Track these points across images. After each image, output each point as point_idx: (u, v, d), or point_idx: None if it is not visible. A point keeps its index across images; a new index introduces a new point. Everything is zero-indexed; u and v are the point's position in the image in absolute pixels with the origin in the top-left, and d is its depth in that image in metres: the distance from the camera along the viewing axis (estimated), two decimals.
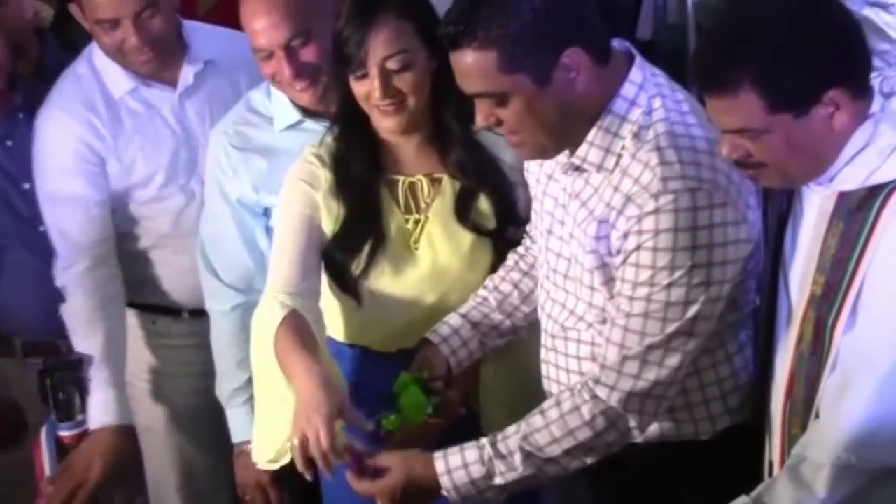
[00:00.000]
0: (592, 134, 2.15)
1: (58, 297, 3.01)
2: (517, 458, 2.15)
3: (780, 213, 2.14)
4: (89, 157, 2.92)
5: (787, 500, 1.98)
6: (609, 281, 2.17)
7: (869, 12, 3.83)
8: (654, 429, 2.22)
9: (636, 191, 2.09)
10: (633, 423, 2.15)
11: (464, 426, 2.38)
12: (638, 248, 2.09)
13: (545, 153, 2.22)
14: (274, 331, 2.35)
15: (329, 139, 2.56)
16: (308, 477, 2.25)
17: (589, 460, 2.18)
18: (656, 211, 2.07)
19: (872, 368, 1.95)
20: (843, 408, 1.97)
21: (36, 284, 2.98)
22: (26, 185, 3.00)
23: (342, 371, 2.53)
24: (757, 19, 1.95)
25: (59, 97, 2.95)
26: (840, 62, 1.94)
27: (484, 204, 2.51)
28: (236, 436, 2.82)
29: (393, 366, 2.45)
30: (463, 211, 2.50)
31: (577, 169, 2.20)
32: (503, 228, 2.51)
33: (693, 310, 2.10)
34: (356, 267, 2.50)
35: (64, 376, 2.70)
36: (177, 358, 3.08)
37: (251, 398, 2.66)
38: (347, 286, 2.52)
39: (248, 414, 2.71)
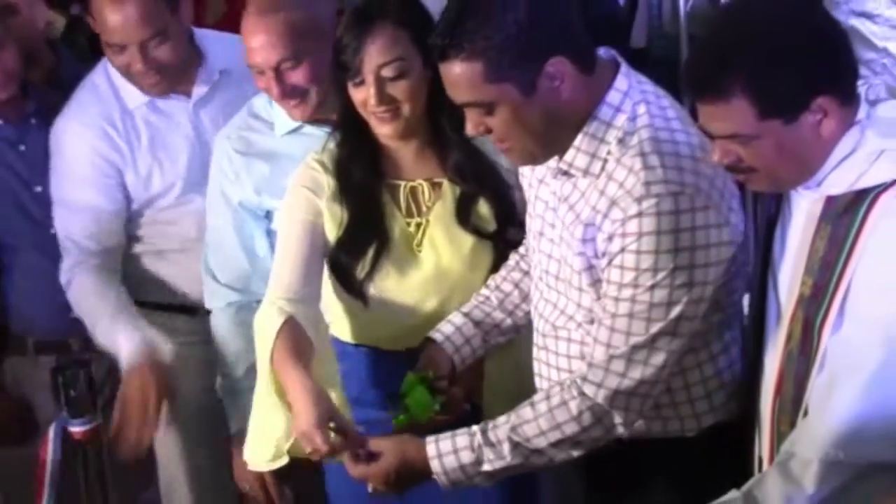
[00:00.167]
0: (579, 140, 2.16)
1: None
2: (506, 447, 2.16)
3: (769, 216, 2.14)
4: (106, 169, 2.93)
5: (777, 495, 1.99)
6: (596, 282, 2.18)
7: (855, 22, 3.84)
8: (641, 425, 2.22)
9: (620, 195, 2.10)
10: (618, 419, 2.15)
11: (468, 421, 2.38)
12: (622, 250, 2.10)
13: (534, 159, 2.22)
14: (272, 336, 2.36)
15: (331, 145, 2.56)
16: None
17: (575, 453, 2.19)
18: (639, 214, 2.07)
19: (859, 367, 1.95)
20: (832, 406, 1.97)
21: (47, 285, 2.98)
22: (38, 189, 3.00)
23: (350, 371, 2.54)
24: (749, 29, 1.96)
25: (78, 108, 2.95)
26: (828, 70, 1.95)
27: (484, 207, 2.52)
28: (233, 428, 2.80)
29: (399, 364, 2.46)
30: (463, 215, 2.51)
31: (566, 174, 2.20)
32: (503, 230, 2.52)
33: (676, 310, 2.10)
34: (361, 270, 2.50)
35: (75, 374, 2.69)
36: (189, 354, 3.08)
37: (248, 391, 2.64)
38: (353, 288, 2.52)
39: (245, 407, 2.69)
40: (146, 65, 2.82)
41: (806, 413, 2.04)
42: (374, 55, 2.40)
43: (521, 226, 2.47)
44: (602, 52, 2.21)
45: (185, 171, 2.93)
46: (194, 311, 3.03)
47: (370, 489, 2.26)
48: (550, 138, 2.17)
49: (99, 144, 2.92)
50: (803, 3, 2.04)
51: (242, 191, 2.74)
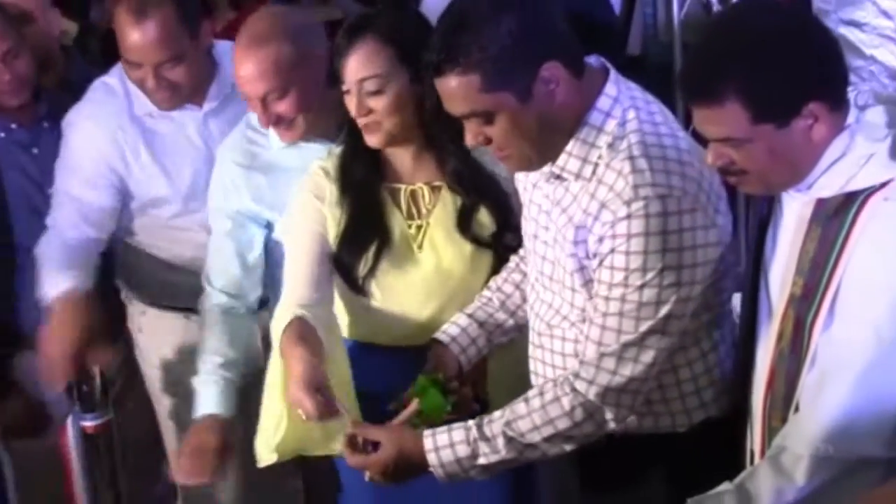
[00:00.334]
0: (571, 145, 2.17)
1: None
2: (500, 441, 2.16)
3: (761, 217, 2.14)
4: (108, 174, 2.92)
5: (768, 487, 1.99)
6: (588, 283, 2.19)
7: (844, 31, 3.85)
8: (633, 421, 2.23)
9: (610, 198, 2.11)
10: (609, 415, 2.16)
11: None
12: (612, 251, 2.11)
13: (530, 165, 2.23)
14: (281, 332, 2.37)
15: (336, 151, 2.57)
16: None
17: (567, 447, 2.20)
18: (628, 217, 2.08)
19: (849, 365, 1.95)
20: (822, 402, 1.98)
21: None
22: (51, 191, 3.01)
23: (355, 368, 2.54)
24: (743, 35, 1.96)
25: (91, 107, 2.95)
26: (819, 77, 1.95)
27: (483, 215, 2.52)
28: (197, 412, 2.74)
29: (402, 361, 2.47)
30: (464, 225, 2.51)
31: (558, 178, 2.21)
32: (502, 235, 2.52)
33: (665, 309, 2.11)
34: (363, 267, 2.51)
35: (86, 370, 2.71)
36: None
37: (217, 380, 2.67)
38: (356, 285, 2.53)
39: (210, 391, 2.69)
40: (158, 83, 2.82)
41: (797, 409, 2.04)
42: (356, 68, 2.41)
43: (518, 231, 2.48)
44: (592, 59, 2.22)
45: (192, 179, 2.92)
46: None
47: (367, 478, 2.26)
48: (546, 143, 2.17)
49: (106, 147, 2.91)
50: (795, 11, 2.04)
51: (241, 200, 2.74)
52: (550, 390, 2.17)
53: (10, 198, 3.03)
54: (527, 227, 2.36)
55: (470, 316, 2.48)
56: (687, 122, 2.26)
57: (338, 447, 2.32)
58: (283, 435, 2.35)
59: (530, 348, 2.38)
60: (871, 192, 1.96)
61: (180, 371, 3.03)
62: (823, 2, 4.00)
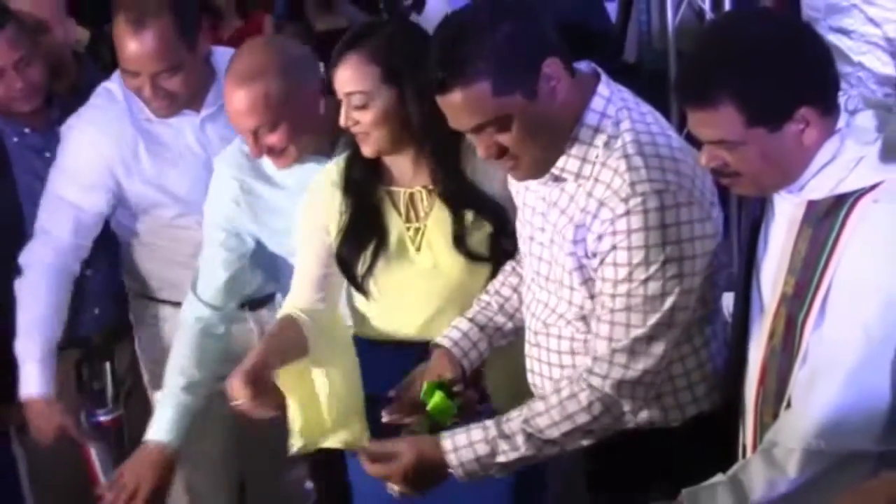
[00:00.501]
0: (570, 145, 2.17)
1: (90, 298, 3.02)
2: (519, 438, 2.15)
3: (753, 218, 2.14)
4: (107, 179, 2.91)
5: (761, 479, 1.98)
6: (587, 281, 2.19)
7: (832, 38, 3.86)
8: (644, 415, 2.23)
9: (608, 195, 2.11)
10: (626, 407, 2.15)
11: (481, 418, 2.37)
12: (614, 248, 2.11)
13: (539, 172, 2.21)
14: None
15: (342, 157, 2.57)
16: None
17: (585, 442, 2.19)
18: (627, 213, 2.08)
19: (839, 362, 1.95)
20: (813, 398, 1.98)
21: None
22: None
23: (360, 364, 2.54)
24: (737, 42, 1.96)
25: (93, 113, 2.94)
26: (811, 82, 1.95)
27: (479, 221, 2.49)
28: (150, 433, 2.73)
29: (403, 357, 2.47)
30: (459, 241, 2.48)
31: (557, 179, 2.21)
32: (499, 241, 2.49)
33: (670, 301, 2.11)
34: (361, 266, 2.51)
35: (99, 367, 2.72)
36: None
37: (176, 405, 2.69)
38: (356, 282, 2.53)
39: (165, 416, 2.70)
40: (155, 93, 2.80)
41: (788, 405, 2.04)
42: (343, 82, 2.41)
43: (514, 236, 2.46)
44: (583, 65, 2.22)
45: (190, 183, 2.89)
46: None
47: (392, 492, 2.23)
48: (552, 144, 2.17)
49: (108, 151, 2.89)
50: (788, 19, 2.05)
51: (235, 215, 2.72)
52: (567, 387, 2.16)
53: (23, 200, 3.03)
54: (522, 229, 2.35)
55: (471, 320, 2.47)
56: (681, 126, 2.27)
57: (345, 440, 2.32)
58: (301, 423, 2.38)
59: (526, 347, 2.37)
60: (860, 194, 1.96)
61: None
62: (813, 9, 4.02)
